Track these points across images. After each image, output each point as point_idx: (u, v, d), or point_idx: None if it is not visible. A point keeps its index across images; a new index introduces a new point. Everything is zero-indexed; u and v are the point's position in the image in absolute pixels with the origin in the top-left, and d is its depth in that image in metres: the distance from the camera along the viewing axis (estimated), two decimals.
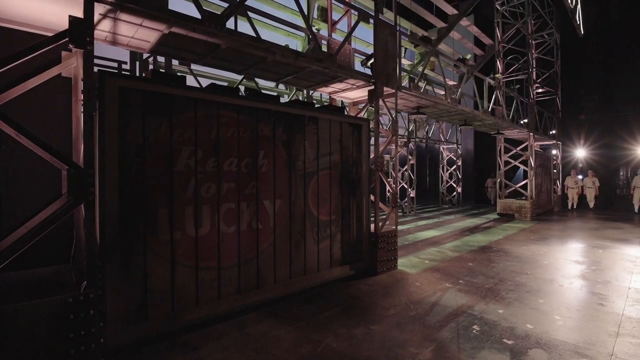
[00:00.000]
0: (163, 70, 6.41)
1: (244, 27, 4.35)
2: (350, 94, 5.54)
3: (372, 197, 5.03)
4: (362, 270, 4.80)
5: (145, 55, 6.45)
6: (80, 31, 2.46)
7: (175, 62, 6.64)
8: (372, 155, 5.04)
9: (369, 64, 5.33)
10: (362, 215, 4.80)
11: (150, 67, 6.81)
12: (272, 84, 10.03)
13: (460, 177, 15.69)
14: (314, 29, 6.88)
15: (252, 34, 3.67)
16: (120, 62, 6.85)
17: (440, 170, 15.98)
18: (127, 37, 3.38)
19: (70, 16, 2.44)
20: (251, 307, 3.58)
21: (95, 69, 2.64)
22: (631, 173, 15.24)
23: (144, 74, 6.77)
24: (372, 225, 4.98)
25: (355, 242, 4.75)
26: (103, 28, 3.18)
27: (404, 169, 13.07)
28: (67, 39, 2.44)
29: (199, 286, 3.17)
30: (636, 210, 12.24)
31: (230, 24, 3.98)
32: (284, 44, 5.12)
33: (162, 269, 2.95)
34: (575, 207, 13.99)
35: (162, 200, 2.94)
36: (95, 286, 2.49)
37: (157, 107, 2.94)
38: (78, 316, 2.41)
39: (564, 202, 14.33)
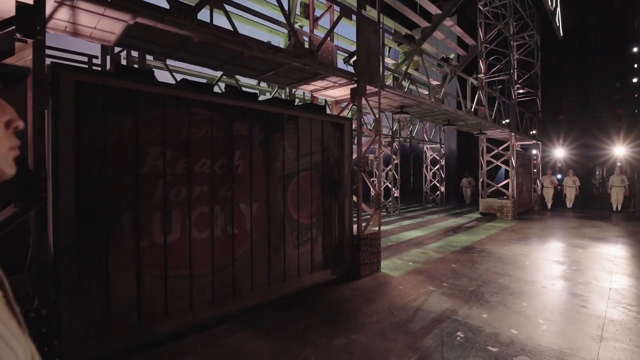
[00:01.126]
0: (136, 66, 6.09)
1: (222, 21, 4.13)
2: (333, 92, 5.38)
3: (354, 198, 4.90)
4: (344, 274, 4.66)
5: (117, 49, 6.13)
6: (29, 19, 2.21)
7: (150, 57, 6.34)
8: (355, 156, 4.91)
9: (351, 61, 5.18)
10: (344, 217, 4.66)
11: (124, 61, 6.48)
12: (253, 82, 9.79)
13: (443, 176, 15.79)
14: (296, 26, 6.71)
15: (230, 28, 3.47)
16: (90, 57, 6.50)
17: (424, 170, 16.05)
18: (89, 27, 3.13)
19: (17, 2, 2.20)
20: (227, 317, 3.38)
21: (48, 61, 2.39)
22: (607, 172, 15.67)
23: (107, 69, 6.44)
24: (355, 227, 4.84)
25: (337, 245, 4.60)
26: (61, 17, 2.92)
27: (388, 168, 13.03)
28: (14, 27, 2.19)
29: (168, 296, 2.95)
30: (614, 209, 12.55)
31: (205, 16, 3.77)
32: (266, 41, 4.93)
33: (126, 278, 2.72)
34: (550, 207, 14.03)
35: (126, 205, 2.71)
36: (47, 301, 2.25)
37: (120, 104, 2.70)
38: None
39: (543, 202, 14.57)
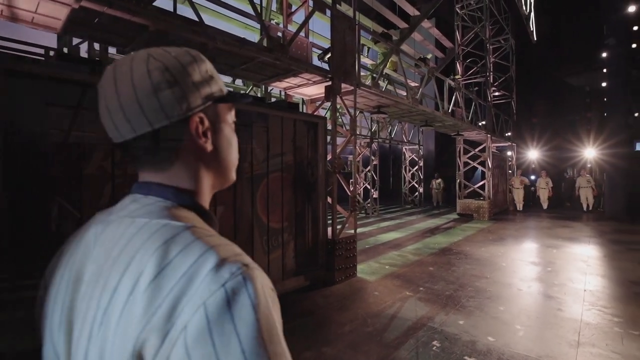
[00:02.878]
0: (95, 57, 5.67)
1: (188, 13, 3.84)
2: (307, 90, 5.18)
3: (330, 200, 4.71)
4: (318, 280, 4.46)
5: (77, 40, 5.70)
6: None
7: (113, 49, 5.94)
8: (329, 157, 4.72)
9: (326, 58, 5.00)
10: (318, 220, 4.46)
11: (85, 54, 6.05)
12: (228, 79, 9.46)
13: (422, 177, 15.87)
14: (273, 22, 6.47)
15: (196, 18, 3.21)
16: (48, 49, 6.03)
17: (403, 171, 16.08)
18: (28, 12, 2.80)
19: None
20: None
21: None
22: (576, 174, 16.16)
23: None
24: (330, 231, 4.65)
25: (310, 250, 4.39)
26: None
27: (367, 169, 12.95)
28: None
29: None
30: (584, 209, 12.90)
31: (168, 5, 3.49)
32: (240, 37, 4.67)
33: None
34: (521, 208, 13.84)
35: (66, 211, 2.41)
36: None
37: (62, 97, 2.40)
38: None
39: (514, 203, 14.67)
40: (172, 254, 0.43)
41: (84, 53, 6.11)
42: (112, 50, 5.96)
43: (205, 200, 0.58)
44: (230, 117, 0.61)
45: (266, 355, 0.38)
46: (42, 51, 6.04)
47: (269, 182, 3.82)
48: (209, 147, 0.56)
